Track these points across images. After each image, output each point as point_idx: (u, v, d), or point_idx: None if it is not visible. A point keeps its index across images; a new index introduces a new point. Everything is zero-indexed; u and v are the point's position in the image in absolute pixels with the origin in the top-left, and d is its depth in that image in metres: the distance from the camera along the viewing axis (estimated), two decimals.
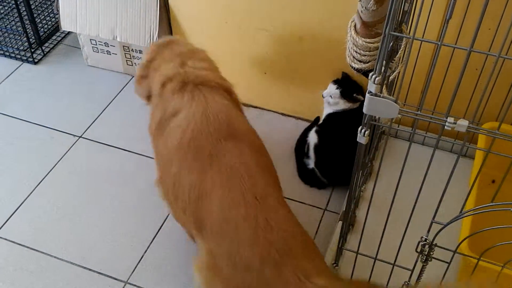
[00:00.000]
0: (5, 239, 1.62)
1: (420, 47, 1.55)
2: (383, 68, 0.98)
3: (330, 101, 1.75)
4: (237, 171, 1.17)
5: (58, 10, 2.08)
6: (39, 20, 2.35)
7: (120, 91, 2.15)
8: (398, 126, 1.79)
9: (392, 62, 1.22)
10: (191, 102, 1.30)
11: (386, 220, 1.15)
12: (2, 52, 2.30)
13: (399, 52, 1.21)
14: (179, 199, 1.24)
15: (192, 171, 1.20)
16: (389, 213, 1.14)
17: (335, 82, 1.77)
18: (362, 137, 1.04)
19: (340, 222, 1.49)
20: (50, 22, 2.39)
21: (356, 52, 1.26)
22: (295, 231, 1.14)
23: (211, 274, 1.15)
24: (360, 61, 1.27)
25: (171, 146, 1.27)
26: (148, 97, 1.48)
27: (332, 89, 1.75)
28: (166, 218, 1.68)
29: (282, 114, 2.07)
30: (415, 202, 1.07)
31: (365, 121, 1.03)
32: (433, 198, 1.05)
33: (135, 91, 1.56)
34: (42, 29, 2.34)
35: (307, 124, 2.00)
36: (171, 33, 1.99)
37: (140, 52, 2.12)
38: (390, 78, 1.29)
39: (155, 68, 1.44)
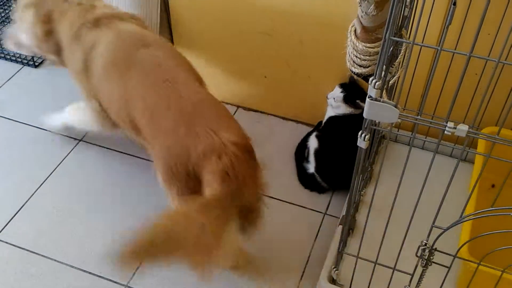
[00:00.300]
0: (6, 242, 1.63)
1: (420, 52, 1.55)
2: (383, 73, 0.99)
3: (333, 103, 1.75)
4: (152, 65, 1.37)
5: None
6: None
7: None
8: (398, 131, 1.79)
9: (392, 67, 1.22)
10: (107, 32, 1.47)
11: (386, 225, 1.15)
12: (3, 55, 2.30)
13: (399, 57, 1.22)
14: (120, 112, 1.41)
15: (119, 82, 1.39)
16: (389, 217, 1.14)
17: (341, 85, 1.77)
18: (362, 141, 1.05)
19: (340, 226, 1.49)
20: None
21: (356, 56, 1.26)
22: (206, 99, 1.31)
23: (157, 162, 1.29)
24: (360, 66, 1.28)
25: (99, 73, 1.45)
26: (57, 52, 1.61)
27: (336, 92, 1.75)
28: None
29: (283, 118, 2.07)
30: (415, 207, 1.07)
31: (365, 126, 1.03)
32: (433, 202, 1.06)
33: (39, 51, 1.66)
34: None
35: (307, 128, 2.00)
36: (171, 36, 1.99)
37: None
38: (390, 82, 1.29)
39: (58, 19, 1.56)
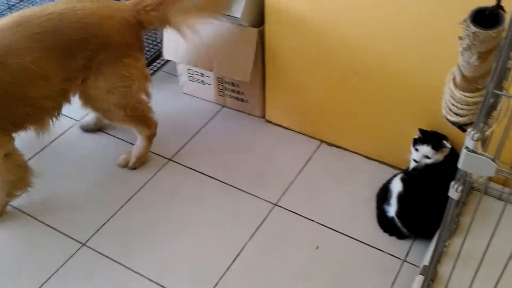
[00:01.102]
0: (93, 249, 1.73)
1: None
2: (482, 125, 0.97)
3: (428, 161, 1.71)
4: None
5: (162, 39, 2.23)
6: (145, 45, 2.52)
7: (210, 120, 2.25)
8: (489, 184, 1.72)
9: (490, 118, 1.19)
10: None
11: (472, 279, 1.11)
12: None
13: (497, 109, 1.19)
14: None
15: None
16: (476, 272, 1.10)
17: (421, 142, 1.73)
18: (454, 192, 1.03)
19: (420, 276, 1.44)
20: (153, 49, 2.56)
21: (453, 105, 1.24)
22: None
23: None
24: (456, 114, 1.25)
25: None
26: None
27: (424, 150, 1.71)
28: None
29: (366, 157, 2.06)
30: (505, 265, 1.03)
31: (458, 177, 1.02)
32: None
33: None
34: (146, 55, 2.50)
35: (390, 169, 1.98)
36: (264, 69, 2.07)
37: (233, 84, 2.21)
38: (486, 133, 1.26)
39: None
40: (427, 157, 1.71)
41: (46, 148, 2.10)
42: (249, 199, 1.90)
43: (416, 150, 1.73)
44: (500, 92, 0.92)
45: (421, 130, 1.75)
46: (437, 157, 1.70)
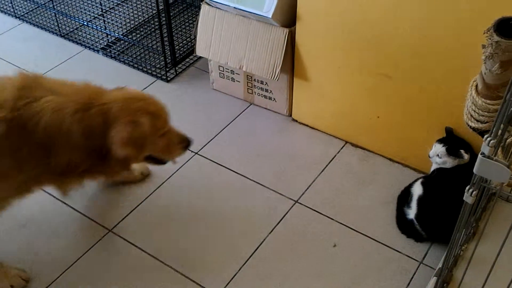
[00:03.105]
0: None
1: None
2: (500, 131, 0.99)
3: (438, 160, 1.74)
4: None
5: (195, 36, 2.29)
6: (177, 42, 2.60)
7: (237, 116, 2.30)
8: (511, 191, 1.73)
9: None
10: None
11: (484, 284, 1.13)
12: (141, 67, 2.57)
13: None
14: None
15: None
16: (487, 276, 1.12)
17: (441, 141, 1.75)
18: (469, 196, 1.05)
19: (435, 278, 1.47)
20: (186, 46, 2.63)
21: (474, 111, 1.26)
22: None
23: None
24: (477, 121, 1.27)
25: None
26: None
27: (438, 148, 1.74)
28: None
29: (390, 159, 2.07)
30: None
31: (473, 181, 1.04)
32: None
33: None
34: (178, 51, 2.58)
35: (413, 172, 1.99)
36: (293, 69, 2.11)
37: (261, 82, 2.26)
38: (508, 141, 1.27)
39: None
40: (438, 156, 1.73)
41: None
42: (271, 195, 1.95)
43: (434, 146, 1.76)
44: None
45: (448, 129, 1.76)
46: (449, 161, 1.71)
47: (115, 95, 1.55)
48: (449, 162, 1.72)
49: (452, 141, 1.74)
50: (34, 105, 1.43)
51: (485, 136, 0.97)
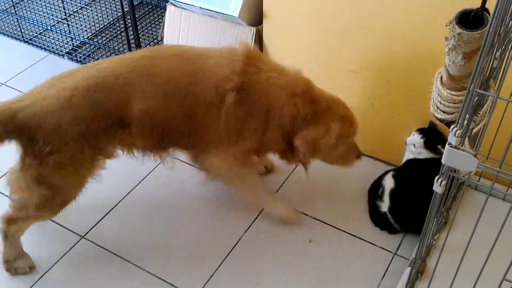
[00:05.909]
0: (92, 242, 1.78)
1: (507, 104, 1.53)
2: (465, 122, 1.01)
3: (413, 149, 1.76)
4: None
5: (162, 38, 2.28)
6: (144, 45, 2.57)
7: None
8: (479, 179, 1.77)
9: (477, 116, 1.23)
10: None
11: (456, 271, 1.15)
12: None
13: (484, 106, 1.23)
14: None
15: None
16: (459, 265, 1.14)
17: (421, 131, 1.78)
18: (438, 186, 1.07)
19: (409, 268, 1.49)
20: (151, 45, 2.61)
21: (440, 103, 1.28)
22: None
23: None
24: (443, 112, 1.30)
25: None
26: None
27: (416, 138, 1.76)
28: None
29: None
30: (487, 257, 1.07)
31: (442, 171, 1.06)
32: (507, 255, 1.05)
33: None
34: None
35: (384, 165, 2.02)
36: None
37: None
38: (474, 131, 1.30)
39: None
40: (415, 146, 1.76)
41: None
42: None
43: (413, 135, 1.79)
44: (481, 91, 0.96)
45: (431, 123, 1.79)
46: (424, 153, 1.74)
47: (321, 92, 1.63)
48: (424, 154, 1.75)
49: (431, 135, 1.77)
50: (260, 76, 1.52)
51: (452, 127, 0.99)
